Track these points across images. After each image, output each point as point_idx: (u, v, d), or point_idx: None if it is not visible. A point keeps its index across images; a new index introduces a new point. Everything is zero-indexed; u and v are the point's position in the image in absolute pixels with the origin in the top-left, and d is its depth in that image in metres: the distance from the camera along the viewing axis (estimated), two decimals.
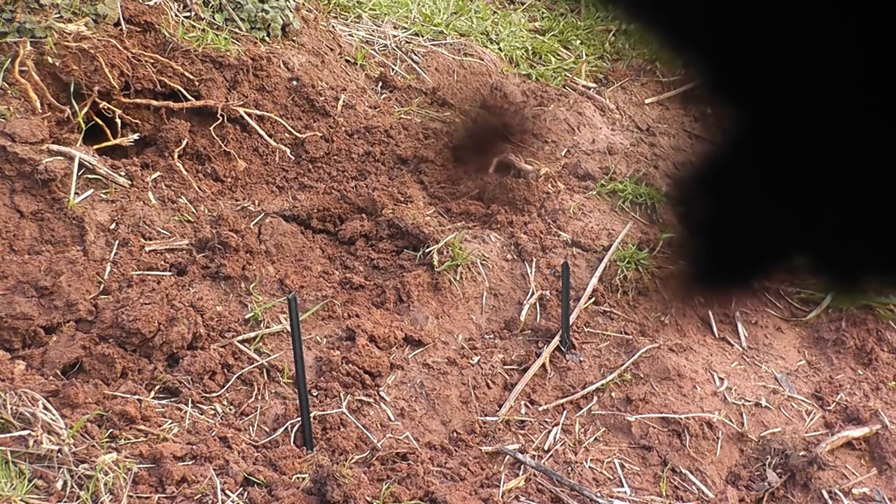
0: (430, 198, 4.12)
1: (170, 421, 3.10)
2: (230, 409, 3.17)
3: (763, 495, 3.44)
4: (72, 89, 3.66)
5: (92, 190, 3.55)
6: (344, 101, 4.35)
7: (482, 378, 3.53)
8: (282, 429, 3.17)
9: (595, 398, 3.60)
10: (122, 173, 3.67)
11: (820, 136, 0.65)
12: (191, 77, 3.95)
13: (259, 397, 3.23)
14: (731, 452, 3.57)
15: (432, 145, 4.25)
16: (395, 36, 4.92)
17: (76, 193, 3.47)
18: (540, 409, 3.53)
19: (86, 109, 3.67)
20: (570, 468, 3.35)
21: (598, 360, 3.73)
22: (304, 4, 4.61)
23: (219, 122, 3.98)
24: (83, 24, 3.70)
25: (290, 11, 4.46)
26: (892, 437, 3.68)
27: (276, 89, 4.17)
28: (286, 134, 4.13)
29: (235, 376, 3.26)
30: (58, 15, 3.68)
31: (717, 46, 0.64)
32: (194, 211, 3.73)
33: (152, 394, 3.15)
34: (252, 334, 3.38)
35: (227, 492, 2.89)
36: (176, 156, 3.85)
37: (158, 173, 3.79)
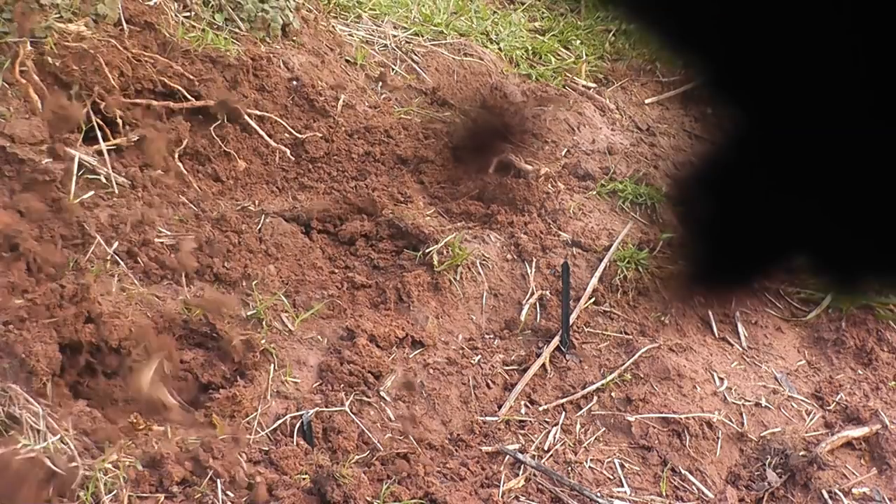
0: (430, 198, 4.12)
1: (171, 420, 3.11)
2: (231, 408, 3.17)
3: (763, 495, 3.44)
4: (72, 89, 3.66)
5: (92, 191, 3.54)
6: (344, 101, 4.34)
7: (482, 378, 3.53)
8: (283, 428, 3.17)
9: (595, 398, 3.60)
10: (122, 173, 3.67)
11: (820, 136, 0.65)
12: (191, 77, 3.95)
13: (260, 397, 3.23)
14: (731, 452, 3.57)
15: (432, 145, 4.25)
16: (395, 36, 4.92)
17: (76, 194, 3.47)
18: (540, 409, 3.53)
19: (86, 109, 3.67)
20: (570, 468, 3.35)
21: (598, 360, 3.73)
22: (304, 4, 4.61)
23: (219, 122, 3.98)
24: (83, 24, 3.70)
25: (290, 11, 4.46)
26: (892, 437, 3.68)
27: (276, 89, 4.17)
28: (286, 134, 4.13)
29: (237, 374, 3.27)
30: (58, 15, 3.68)
31: (718, 46, 0.64)
32: (194, 211, 3.73)
33: None
34: (253, 332, 3.39)
35: (228, 492, 2.90)
36: (176, 156, 3.85)
37: (159, 173, 3.79)
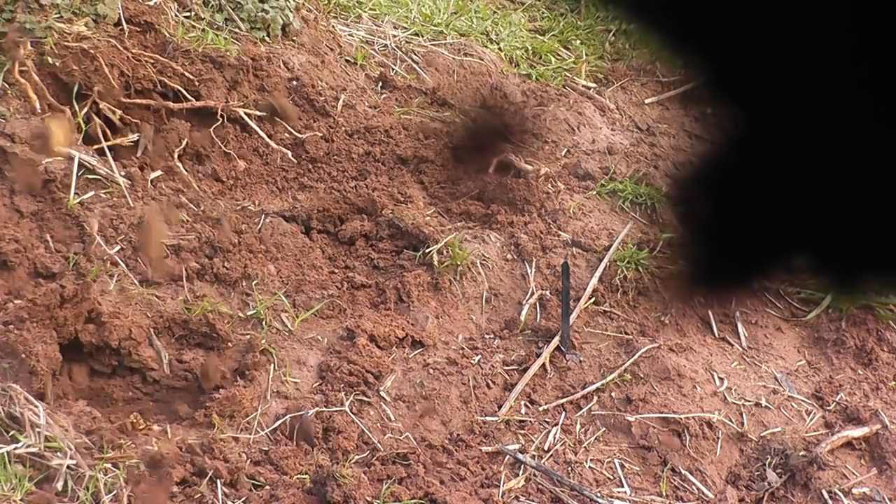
0: (430, 198, 4.11)
1: (171, 420, 3.11)
2: (231, 408, 3.17)
3: (763, 495, 3.44)
4: (72, 89, 3.66)
5: (93, 192, 3.54)
6: (344, 101, 4.34)
7: (482, 378, 3.53)
8: (283, 428, 3.17)
9: (595, 398, 3.60)
10: (122, 173, 3.67)
11: (820, 136, 0.65)
12: (191, 77, 3.95)
13: (260, 397, 3.23)
14: (731, 452, 3.57)
15: (432, 145, 4.25)
16: (395, 36, 4.92)
17: (76, 194, 3.47)
18: (540, 409, 3.53)
19: (86, 109, 3.67)
20: (570, 468, 3.35)
21: (598, 360, 3.73)
22: (304, 4, 4.61)
23: (219, 122, 3.98)
24: (83, 24, 3.70)
25: (290, 11, 4.46)
26: (892, 437, 3.68)
27: (276, 89, 4.17)
28: (286, 134, 4.13)
29: (237, 374, 3.27)
30: (58, 15, 3.68)
31: (718, 46, 0.64)
32: (194, 211, 3.72)
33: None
34: (253, 332, 3.39)
35: (228, 492, 2.90)
36: (176, 156, 3.85)
37: (158, 173, 3.79)
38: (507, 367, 3.62)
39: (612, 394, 3.62)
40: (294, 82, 4.27)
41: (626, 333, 3.84)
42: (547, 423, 3.49)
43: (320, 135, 4.18)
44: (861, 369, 4.00)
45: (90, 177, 3.56)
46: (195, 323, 3.34)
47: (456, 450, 3.28)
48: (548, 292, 3.87)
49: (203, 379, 3.20)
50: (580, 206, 4.23)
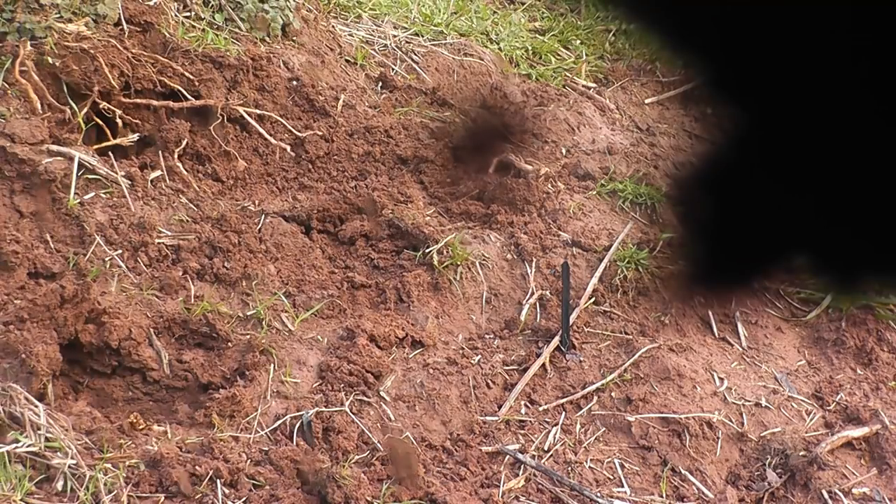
0: (430, 198, 4.11)
1: (171, 420, 3.11)
2: (231, 408, 3.17)
3: (763, 495, 3.44)
4: (72, 90, 3.66)
5: (93, 193, 3.54)
6: (344, 101, 4.34)
7: (482, 378, 3.53)
8: (283, 428, 3.17)
9: (595, 398, 3.60)
10: (122, 173, 3.67)
11: (820, 136, 0.65)
12: (191, 77, 3.95)
13: (260, 397, 3.23)
14: (731, 452, 3.57)
15: (432, 145, 4.25)
16: (395, 36, 4.92)
17: (76, 194, 3.47)
18: (540, 409, 3.53)
19: (86, 109, 3.67)
20: (570, 468, 3.35)
21: (598, 360, 3.73)
22: (304, 4, 4.61)
23: (219, 122, 3.98)
24: (83, 24, 3.70)
25: (290, 11, 4.46)
26: (892, 437, 3.68)
27: (276, 89, 4.17)
28: (286, 134, 4.13)
29: (237, 374, 3.27)
30: (58, 15, 3.68)
31: (718, 46, 0.64)
32: (195, 211, 3.72)
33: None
34: (253, 332, 3.39)
35: (228, 492, 2.90)
36: (176, 156, 3.85)
37: (158, 173, 3.79)
38: (507, 367, 3.62)
39: (612, 394, 3.62)
40: (294, 82, 4.27)
41: (626, 333, 3.84)
42: (547, 423, 3.49)
43: (320, 135, 4.18)
44: (861, 369, 4.00)
45: (90, 177, 3.56)
46: (195, 323, 3.34)
47: (456, 450, 3.28)
48: (548, 292, 3.87)
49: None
50: (580, 206, 4.23)
